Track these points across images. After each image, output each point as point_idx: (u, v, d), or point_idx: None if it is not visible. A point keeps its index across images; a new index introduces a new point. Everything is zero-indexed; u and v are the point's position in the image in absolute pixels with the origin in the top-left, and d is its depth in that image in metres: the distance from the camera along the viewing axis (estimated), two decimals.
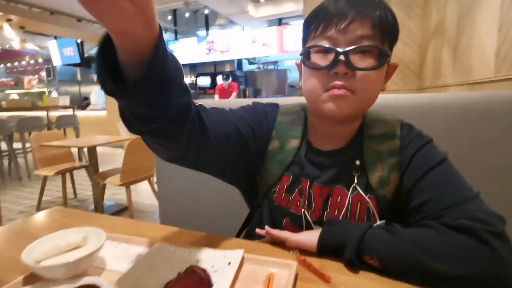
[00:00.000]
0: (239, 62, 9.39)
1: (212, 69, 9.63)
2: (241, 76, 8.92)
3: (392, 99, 0.94)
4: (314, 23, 0.58)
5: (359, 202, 0.62)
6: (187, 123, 0.49)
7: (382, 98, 0.94)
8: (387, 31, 0.56)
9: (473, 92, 0.95)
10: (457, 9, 2.56)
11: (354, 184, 0.62)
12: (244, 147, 0.66)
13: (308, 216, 0.65)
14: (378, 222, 0.61)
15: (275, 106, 0.75)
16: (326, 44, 0.56)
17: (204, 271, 0.49)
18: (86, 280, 0.49)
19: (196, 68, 10.07)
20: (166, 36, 9.71)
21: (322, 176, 0.65)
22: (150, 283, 0.49)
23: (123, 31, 0.35)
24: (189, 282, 0.46)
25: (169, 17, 9.34)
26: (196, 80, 9.84)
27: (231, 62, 9.21)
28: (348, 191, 0.63)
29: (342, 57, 0.54)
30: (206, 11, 8.23)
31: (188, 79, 10.55)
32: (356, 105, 0.57)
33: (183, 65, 9.58)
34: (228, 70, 9.32)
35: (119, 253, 0.61)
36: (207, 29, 9.06)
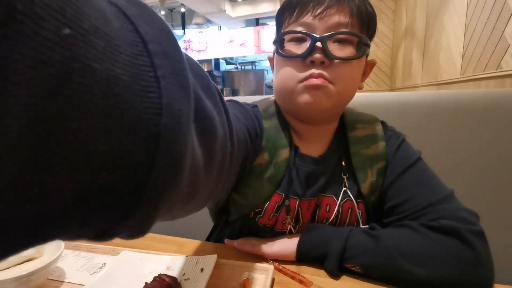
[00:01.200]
0: (217, 61, 9.30)
1: None
2: (219, 76, 8.84)
3: (365, 97, 0.94)
4: (288, 10, 0.53)
5: (349, 210, 0.58)
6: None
7: (357, 96, 0.94)
8: (366, 21, 0.52)
9: (443, 90, 0.97)
10: (426, 12, 2.66)
11: (344, 189, 0.58)
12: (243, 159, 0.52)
13: (293, 231, 0.59)
14: (361, 226, 0.58)
15: (256, 107, 0.62)
16: (302, 30, 0.51)
17: (174, 280, 0.46)
18: None
19: None
20: None
21: (311, 189, 0.58)
22: None
23: None
24: None
25: None
26: None
27: (208, 61, 9.11)
28: (337, 198, 0.58)
29: (319, 44, 0.49)
30: (183, 10, 8.08)
31: None
32: (335, 97, 0.51)
33: None
34: (206, 69, 9.21)
35: (80, 263, 0.56)
36: (184, 28, 8.90)
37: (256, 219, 0.59)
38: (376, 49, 3.63)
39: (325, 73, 0.50)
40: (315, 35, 0.49)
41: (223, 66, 9.74)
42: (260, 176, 0.56)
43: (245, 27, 8.32)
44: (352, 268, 0.50)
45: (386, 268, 0.48)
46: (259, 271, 0.51)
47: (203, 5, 6.02)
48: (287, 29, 0.53)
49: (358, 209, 0.58)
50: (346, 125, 0.61)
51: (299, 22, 0.51)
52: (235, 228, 0.65)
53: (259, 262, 0.53)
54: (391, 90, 3.66)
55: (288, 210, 0.57)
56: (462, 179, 0.82)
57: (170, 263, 0.54)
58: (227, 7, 6.30)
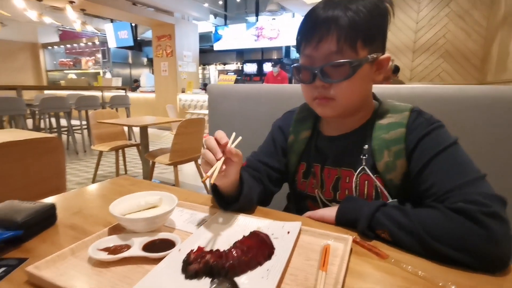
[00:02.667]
0: (287, 49, 9.30)
1: (259, 56, 9.64)
2: (289, 64, 8.84)
3: (452, 90, 0.91)
4: (299, 38, 0.68)
5: (366, 182, 0.70)
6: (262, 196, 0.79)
7: (443, 88, 0.92)
8: (359, 32, 0.61)
9: None
10: None
11: (362, 166, 0.70)
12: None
13: (321, 196, 0.76)
14: (390, 200, 0.68)
15: (291, 112, 0.88)
16: (306, 62, 0.67)
17: (267, 236, 0.53)
18: (162, 235, 0.56)
19: (243, 55, 10.14)
20: (216, 21, 9.84)
21: (330, 159, 0.75)
22: (219, 241, 0.54)
23: (224, 183, 0.66)
24: (254, 242, 0.50)
25: (220, 2, 9.41)
26: (242, 66, 9.93)
27: (279, 49, 9.16)
28: (355, 172, 0.70)
29: (318, 72, 0.64)
30: None
31: (234, 65, 10.67)
32: (339, 108, 0.67)
33: (230, 50, 9.76)
34: (276, 57, 9.27)
35: (185, 217, 0.67)
36: (257, 15, 9.02)
37: (296, 187, 0.82)
38: (466, 39, 3.30)
39: (326, 93, 0.66)
40: (313, 68, 0.65)
41: (294, 54, 9.70)
42: (291, 151, 0.83)
43: None
44: (382, 234, 0.58)
45: (410, 237, 0.54)
46: (338, 239, 0.56)
47: None
48: (295, 64, 0.70)
49: (376, 183, 0.69)
50: (376, 115, 0.72)
51: (304, 53, 0.67)
52: (295, 200, 0.85)
53: (339, 232, 0.58)
54: (480, 84, 3.31)
55: (314, 174, 0.77)
56: None
57: (260, 224, 0.62)
58: None
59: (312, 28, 0.64)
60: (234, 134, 0.67)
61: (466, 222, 0.51)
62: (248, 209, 0.71)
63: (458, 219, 0.51)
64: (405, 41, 4.62)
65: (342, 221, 0.64)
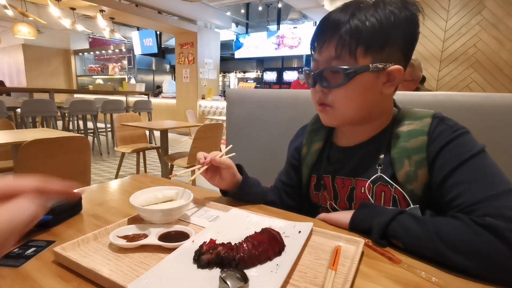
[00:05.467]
0: (308, 58, 9.31)
1: (279, 64, 9.68)
2: None
3: (478, 97, 0.89)
4: (311, 42, 0.68)
5: (382, 192, 0.67)
6: (277, 204, 0.81)
7: (469, 96, 0.89)
8: (360, 39, 0.59)
9: None
10: None
11: (377, 175, 0.66)
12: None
13: (336, 207, 0.74)
14: (412, 206, 0.63)
15: (304, 127, 0.89)
16: (313, 66, 0.67)
17: (278, 233, 0.55)
18: (177, 227, 0.59)
19: (263, 63, 10.21)
20: (238, 29, 10.00)
21: (343, 169, 0.73)
22: (231, 235, 0.56)
23: (223, 184, 0.77)
24: (265, 238, 0.52)
25: (242, 11, 9.57)
26: (262, 74, 10.00)
27: (299, 57, 9.16)
28: (371, 182, 0.67)
29: (316, 77, 0.65)
30: (279, 5, 8.27)
31: (253, 73, 10.77)
32: (337, 117, 0.67)
33: (251, 59, 9.87)
34: (296, 65, 9.28)
35: (200, 213, 0.70)
36: (278, 24, 9.09)
37: (310, 198, 0.81)
38: (500, 49, 3.17)
39: (325, 99, 0.66)
40: (314, 71, 0.65)
41: None
42: (304, 163, 0.82)
43: None
44: (396, 243, 0.57)
45: (425, 248, 0.53)
46: (350, 242, 0.57)
47: (301, 0, 6.06)
48: (304, 68, 0.71)
49: (394, 193, 0.65)
50: (394, 123, 0.69)
51: (314, 57, 0.68)
52: (310, 211, 0.82)
53: (351, 235, 0.59)
54: None
55: (324, 187, 0.76)
56: None
57: (272, 223, 0.63)
58: (326, 2, 6.18)
59: (319, 32, 0.65)
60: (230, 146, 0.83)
61: (493, 240, 0.47)
62: (251, 201, 0.78)
63: (485, 235, 0.48)
64: (432, 50, 4.51)
65: (356, 229, 0.62)
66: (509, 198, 0.52)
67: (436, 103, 0.98)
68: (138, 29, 9.93)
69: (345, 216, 0.65)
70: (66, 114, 5.11)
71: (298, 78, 6.09)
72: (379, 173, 0.66)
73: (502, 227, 0.47)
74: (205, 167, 0.73)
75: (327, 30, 0.63)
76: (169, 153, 3.05)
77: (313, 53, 0.68)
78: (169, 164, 2.87)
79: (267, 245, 0.51)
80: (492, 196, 0.52)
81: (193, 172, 0.75)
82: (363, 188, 0.69)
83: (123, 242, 0.53)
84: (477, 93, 0.92)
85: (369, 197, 0.68)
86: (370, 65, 0.61)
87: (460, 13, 4.17)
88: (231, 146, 0.80)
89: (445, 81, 4.44)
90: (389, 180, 0.65)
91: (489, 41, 3.89)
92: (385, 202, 0.66)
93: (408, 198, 0.64)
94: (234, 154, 0.81)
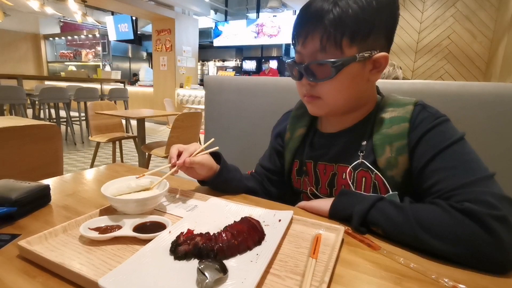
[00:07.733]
0: (287, 47, 9.27)
1: (259, 53, 9.59)
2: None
3: (454, 86, 0.91)
4: (293, 33, 0.66)
5: (363, 178, 0.67)
6: (258, 192, 0.81)
7: (444, 84, 0.91)
8: (345, 29, 0.58)
9: None
10: None
11: (359, 161, 0.67)
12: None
13: (317, 193, 0.75)
14: (391, 193, 0.64)
15: (288, 112, 0.88)
16: (297, 59, 0.66)
17: (258, 222, 0.54)
18: (153, 218, 0.56)
19: (242, 51, 10.09)
20: (217, 16, 9.79)
21: (326, 155, 0.73)
22: (210, 225, 0.55)
23: (200, 176, 0.74)
24: (244, 227, 0.51)
25: None
26: (241, 63, 9.90)
27: (279, 46, 9.11)
28: (352, 168, 0.68)
29: (303, 71, 0.63)
30: None
31: (233, 62, 10.64)
32: (326, 107, 0.66)
33: (230, 47, 9.72)
34: (275, 55, 9.24)
35: (177, 203, 0.67)
36: (258, 12, 8.95)
37: (292, 184, 0.81)
38: (472, 41, 3.26)
39: (312, 91, 0.65)
40: (300, 65, 0.64)
41: (293, 52, 9.70)
42: (287, 148, 0.82)
43: None
44: (376, 230, 0.57)
45: (404, 235, 0.53)
46: (330, 229, 0.57)
47: None
48: (287, 61, 0.70)
49: (375, 180, 0.66)
50: (378, 109, 0.69)
51: (296, 50, 0.65)
52: (292, 197, 0.83)
53: (331, 223, 0.59)
54: None
55: (306, 173, 0.76)
56: None
57: (251, 212, 0.62)
58: None
59: (300, 23, 0.62)
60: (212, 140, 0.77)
61: (472, 225, 0.48)
62: (227, 191, 0.76)
63: (463, 220, 0.48)
64: (408, 41, 4.58)
65: (336, 217, 0.62)
66: (487, 184, 0.53)
67: (414, 91, 0.99)
68: (112, 13, 9.51)
69: (324, 203, 0.65)
70: (37, 102, 4.85)
71: (264, 69, 6.08)
72: (360, 159, 0.67)
73: (480, 212, 0.48)
74: (175, 169, 0.69)
75: (310, 20, 0.60)
76: (146, 143, 2.97)
77: (295, 43, 0.66)
78: (147, 153, 2.80)
79: (246, 235, 0.49)
80: (470, 182, 0.53)
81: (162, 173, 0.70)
82: (344, 174, 0.69)
83: (95, 234, 0.50)
84: (454, 82, 0.94)
85: (350, 183, 0.68)
86: (357, 55, 0.60)
87: (436, 5, 4.24)
88: (212, 139, 0.76)
89: (420, 72, 4.55)
90: (370, 166, 0.66)
91: (462, 33, 3.98)
92: (366, 188, 0.67)
93: (387, 184, 0.64)
94: (217, 148, 0.77)
